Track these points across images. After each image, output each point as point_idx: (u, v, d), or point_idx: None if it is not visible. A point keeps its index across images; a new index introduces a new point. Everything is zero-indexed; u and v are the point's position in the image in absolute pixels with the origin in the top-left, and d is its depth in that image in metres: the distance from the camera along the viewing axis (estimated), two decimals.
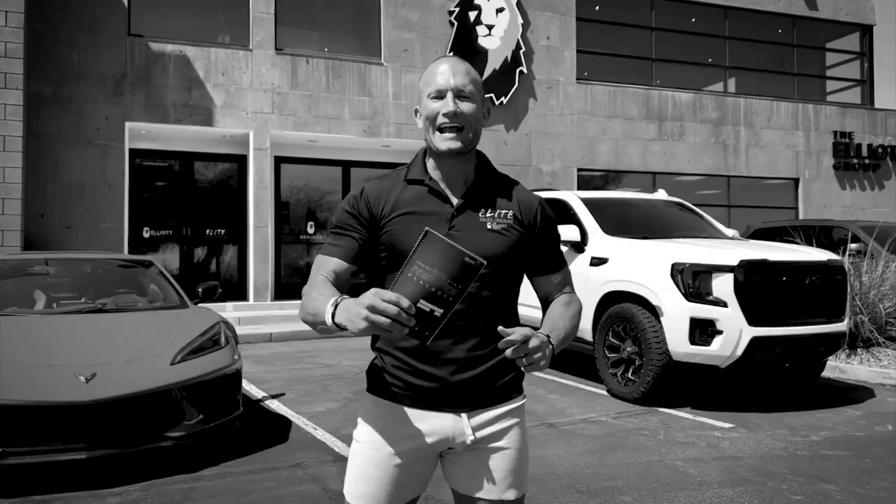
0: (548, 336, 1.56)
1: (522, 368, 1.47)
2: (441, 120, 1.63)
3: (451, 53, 12.95)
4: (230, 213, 12.39)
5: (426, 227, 1.37)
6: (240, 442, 4.64)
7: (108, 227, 10.96)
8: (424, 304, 1.37)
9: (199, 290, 5.69)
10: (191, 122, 11.47)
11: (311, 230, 13.02)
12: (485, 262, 1.37)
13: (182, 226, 12.16)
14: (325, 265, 1.67)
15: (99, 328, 4.66)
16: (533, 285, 1.81)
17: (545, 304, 1.78)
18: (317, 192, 13.27)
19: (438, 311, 1.37)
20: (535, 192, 1.82)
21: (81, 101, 10.93)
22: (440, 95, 1.63)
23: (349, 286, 1.67)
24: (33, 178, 10.52)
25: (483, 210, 1.67)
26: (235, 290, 12.19)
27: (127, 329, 4.69)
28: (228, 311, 11.23)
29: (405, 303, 1.32)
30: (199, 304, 5.65)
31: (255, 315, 11.00)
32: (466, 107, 1.64)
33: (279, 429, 5.08)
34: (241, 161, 12.39)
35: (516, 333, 1.42)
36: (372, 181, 1.75)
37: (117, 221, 11.06)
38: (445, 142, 1.63)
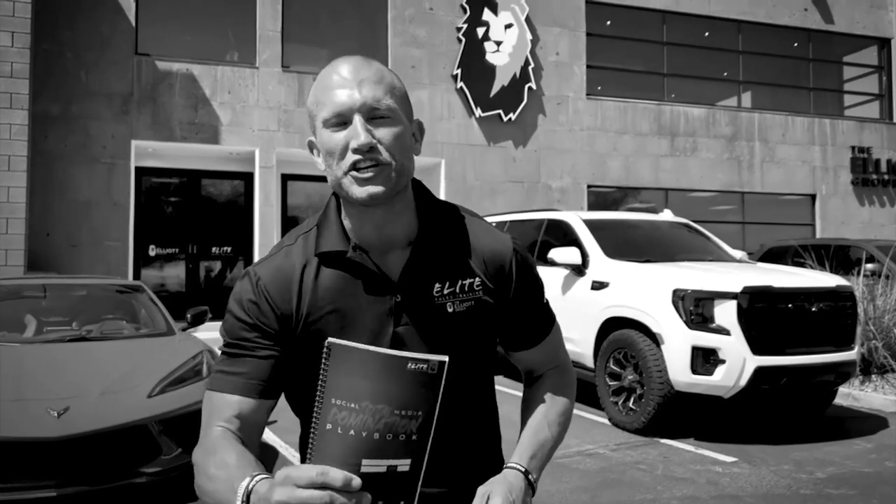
0: (525, 473, 1.17)
1: None
2: (351, 158, 1.09)
3: (459, 73, 12.86)
4: (236, 231, 12.35)
5: (329, 340, 0.89)
6: None
7: (113, 245, 10.96)
8: (372, 465, 0.87)
9: (189, 315, 5.59)
10: (197, 140, 11.47)
11: None
12: (445, 360, 0.91)
13: (188, 243, 12.15)
14: (222, 409, 1.14)
15: (78, 358, 4.57)
16: (511, 359, 1.36)
17: (528, 380, 1.37)
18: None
19: (403, 465, 0.89)
20: (495, 228, 1.30)
21: (88, 120, 10.97)
22: (342, 121, 1.09)
23: (262, 431, 1.20)
24: (40, 197, 10.55)
25: (438, 284, 1.17)
26: None
27: (107, 359, 4.59)
28: None
29: (337, 478, 0.83)
30: (189, 331, 5.55)
31: None
32: (386, 133, 1.09)
33: (264, 461, 4.93)
34: (248, 178, 12.36)
35: None
36: (266, 265, 1.20)
37: (123, 240, 11.05)
38: (363, 187, 1.09)
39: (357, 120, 1.08)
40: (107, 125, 11.05)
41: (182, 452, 4.11)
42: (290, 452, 5.11)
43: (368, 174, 1.08)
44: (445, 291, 1.17)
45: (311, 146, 1.19)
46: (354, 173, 1.09)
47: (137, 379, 4.28)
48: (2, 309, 5.54)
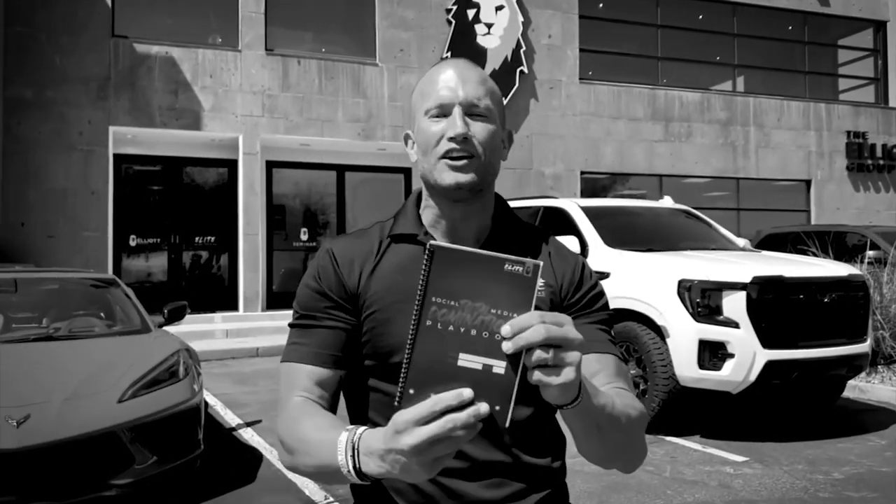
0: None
1: (534, 380, 0.89)
2: (446, 146, 1.14)
3: (449, 55, 12.51)
4: (220, 220, 11.98)
5: (430, 243, 0.91)
6: (200, 484, 4.20)
7: (91, 235, 10.56)
8: (469, 360, 0.90)
9: (165, 311, 5.26)
10: (178, 126, 11.06)
11: (304, 237, 12.61)
12: (540, 264, 0.90)
13: (170, 233, 11.77)
14: (299, 379, 1.17)
15: (43, 360, 4.22)
16: None
17: None
18: (310, 198, 12.86)
19: (498, 366, 0.89)
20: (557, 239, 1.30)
21: (64, 105, 10.53)
22: (443, 112, 1.16)
23: (338, 401, 1.20)
24: (13, 186, 10.13)
25: None
26: (225, 299, 11.78)
27: (74, 360, 4.25)
28: (217, 322, 10.83)
29: (449, 398, 0.85)
30: (165, 327, 5.22)
31: (244, 327, 10.58)
32: (481, 129, 1.16)
33: (248, 466, 4.64)
34: (232, 166, 11.97)
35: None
36: (342, 239, 1.26)
37: (101, 230, 10.65)
38: (453, 173, 1.14)
39: (457, 111, 1.15)
40: (83, 111, 10.62)
41: (157, 461, 3.80)
42: (275, 456, 4.81)
43: (460, 163, 1.14)
44: None
45: (407, 138, 1.27)
46: (447, 161, 1.15)
47: (107, 382, 3.94)
48: None
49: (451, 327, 0.90)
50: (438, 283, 0.90)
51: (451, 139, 1.13)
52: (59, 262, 9.94)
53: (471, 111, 1.16)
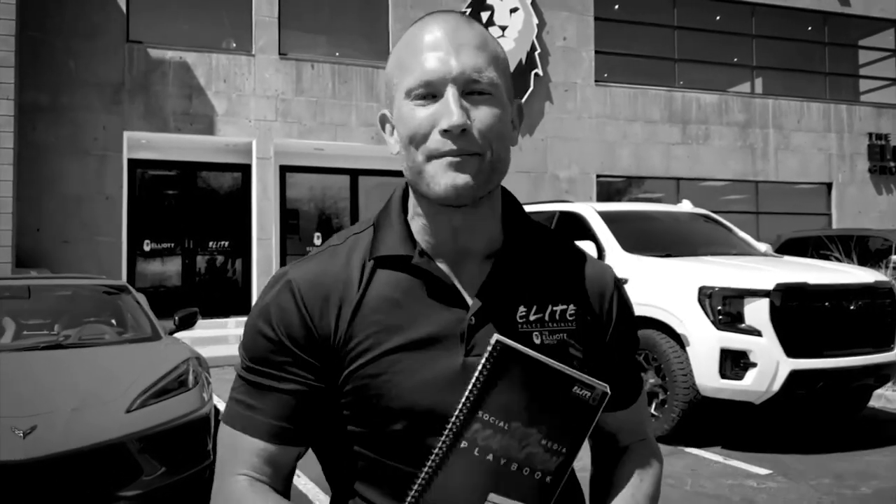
0: None
1: None
2: (437, 141, 0.85)
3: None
4: (234, 225, 11.96)
5: (496, 338, 0.75)
6: (210, 495, 4.12)
7: (105, 240, 10.57)
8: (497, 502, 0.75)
9: (176, 318, 5.20)
10: (191, 131, 11.06)
11: (318, 241, 12.56)
12: (608, 392, 0.78)
13: (184, 238, 11.77)
14: (244, 453, 0.91)
15: (51, 369, 4.17)
16: None
17: (605, 450, 1.04)
18: (324, 202, 12.83)
19: None
20: (591, 256, 1.07)
21: (78, 110, 10.56)
22: (431, 92, 0.86)
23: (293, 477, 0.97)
24: (29, 191, 10.15)
25: (524, 307, 0.92)
26: (239, 304, 11.76)
27: (83, 369, 4.19)
28: (230, 327, 10.80)
29: None
30: (176, 334, 5.17)
31: None
32: (485, 114, 0.86)
33: None
34: (245, 170, 11.95)
35: None
36: (308, 264, 0.95)
37: (115, 235, 10.66)
38: (448, 177, 0.85)
39: (450, 93, 0.85)
40: (98, 116, 10.64)
41: (166, 472, 3.73)
42: None
43: (456, 159, 0.85)
44: (532, 318, 0.92)
45: (384, 121, 0.96)
46: (439, 160, 0.86)
47: (115, 391, 3.88)
48: None
49: (490, 455, 0.73)
50: (493, 396, 0.73)
51: (444, 133, 0.84)
52: (74, 267, 9.96)
53: (470, 88, 0.86)
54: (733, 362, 4.97)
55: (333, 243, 0.97)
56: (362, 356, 0.88)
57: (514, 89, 0.95)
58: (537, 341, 0.90)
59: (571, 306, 0.94)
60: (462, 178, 0.85)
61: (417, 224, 0.94)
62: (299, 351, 0.89)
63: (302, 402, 0.90)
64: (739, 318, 5.01)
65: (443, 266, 0.92)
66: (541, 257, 0.97)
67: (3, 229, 9.08)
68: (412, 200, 0.95)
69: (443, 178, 0.85)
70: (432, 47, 0.86)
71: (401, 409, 0.86)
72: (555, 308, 0.93)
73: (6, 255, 9.06)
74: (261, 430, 0.90)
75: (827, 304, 5.10)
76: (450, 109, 0.84)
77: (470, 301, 0.90)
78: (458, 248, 0.93)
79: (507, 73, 0.92)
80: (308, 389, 0.89)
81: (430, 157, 0.86)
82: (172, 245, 11.71)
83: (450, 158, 0.85)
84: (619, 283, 1.03)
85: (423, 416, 0.85)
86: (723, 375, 4.98)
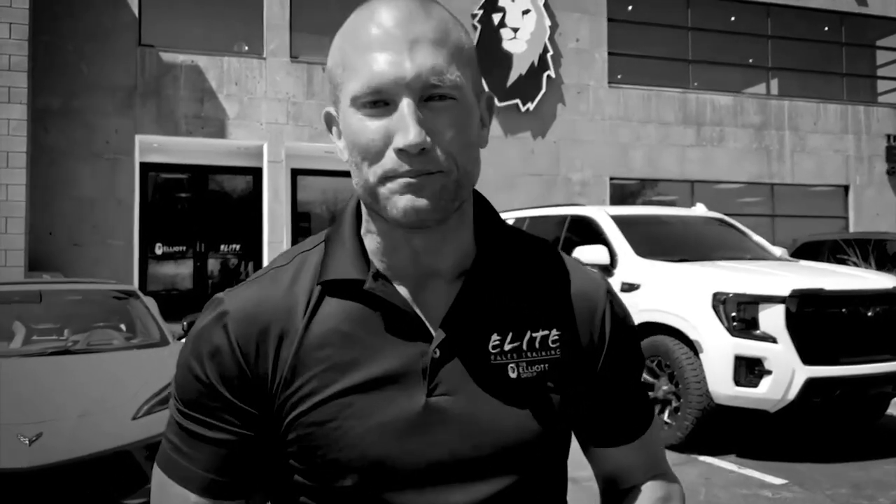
0: None
1: None
2: (392, 161, 0.72)
3: None
4: (245, 228, 11.99)
5: None
6: None
7: (117, 244, 10.61)
8: None
9: (185, 322, 5.18)
10: (203, 135, 11.08)
11: None
12: None
13: (195, 241, 11.82)
14: (176, 499, 0.80)
15: (58, 375, 4.16)
16: (590, 459, 0.92)
17: (610, 492, 0.92)
18: (336, 205, 12.84)
19: None
20: (582, 264, 0.92)
21: (91, 114, 10.61)
22: (381, 99, 0.72)
23: None
24: (41, 194, 10.20)
25: (498, 335, 0.80)
26: None
27: (90, 375, 4.18)
28: None
29: None
30: (184, 340, 5.14)
31: None
32: (447, 124, 0.72)
33: None
34: (256, 174, 11.97)
35: None
36: (244, 292, 0.82)
37: (127, 238, 10.70)
38: (405, 199, 0.72)
39: (406, 106, 0.70)
40: (110, 119, 10.69)
41: None
42: None
43: (414, 181, 0.71)
44: (507, 347, 0.79)
45: (330, 122, 0.81)
46: (394, 182, 0.72)
47: (122, 398, 3.86)
48: None
49: None
50: None
51: (399, 152, 0.71)
52: (86, 270, 9.99)
53: (429, 94, 0.72)
54: (748, 370, 4.88)
55: (277, 264, 0.84)
56: (306, 400, 0.76)
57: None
58: (513, 375, 0.78)
59: (554, 331, 0.81)
60: (421, 202, 0.71)
61: (372, 242, 0.80)
62: (232, 396, 0.77)
63: (237, 454, 0.78)
64: (754, 324, 4.92)
65: (403, 290, 0.79)
66: (519, 274, 0.83)
67: (16, 233, 9.12)
68: (365, 215, 0.81)
69: (400, 200, 0.72)
70: (381, 45, 0.71)
71: (351, 461, 0.76)
72: (535, 334, 0.80)
73: (19, 259, 9.11)
74: (191, 482, 0.79)
75: (844, 310, 5.00)
76: (406, 125, 0.70)
77: (434, 332, 0.78)
78: (421, 270, 0.80)
79: (474, 62, 0.77)
80: (243, 440, 0.78)
81: (385, 179, 0.72)
82: (184, 248, 11.75)
83: (407, 179, 0.71)
84: (613, 297, 0.88)
85: (377, 468, 0.75)
86: (737, 383, 4.89)
